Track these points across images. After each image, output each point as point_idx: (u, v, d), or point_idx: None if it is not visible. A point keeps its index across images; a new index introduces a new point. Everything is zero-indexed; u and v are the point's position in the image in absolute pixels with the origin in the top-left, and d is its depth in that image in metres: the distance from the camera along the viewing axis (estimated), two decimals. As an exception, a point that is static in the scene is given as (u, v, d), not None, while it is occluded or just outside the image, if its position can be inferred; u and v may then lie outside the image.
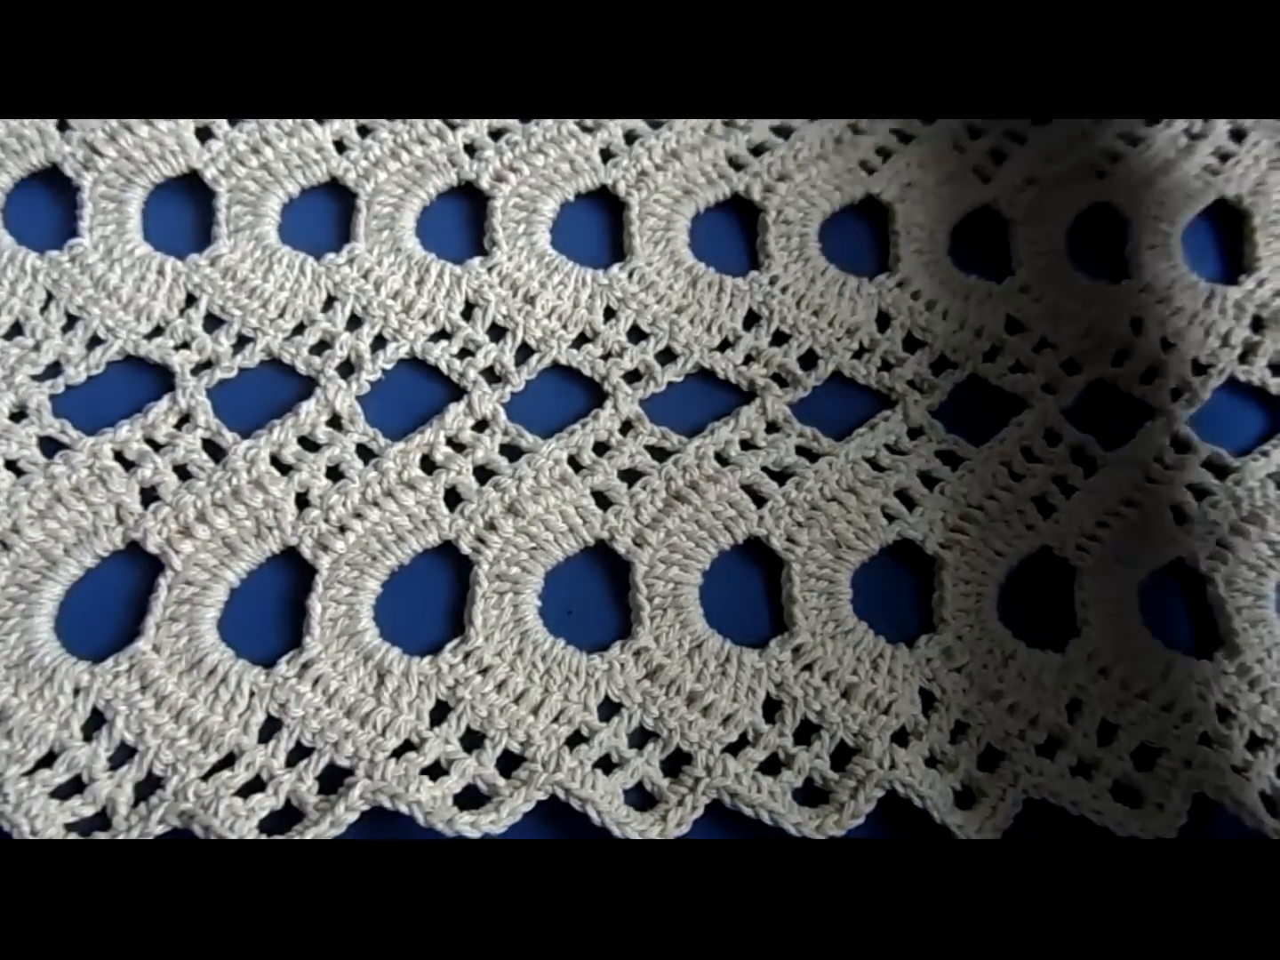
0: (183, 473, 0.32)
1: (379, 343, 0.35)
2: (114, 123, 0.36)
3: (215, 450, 0.32)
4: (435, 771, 0.29)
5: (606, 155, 0.38)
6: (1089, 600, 0.33)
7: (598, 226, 0.38)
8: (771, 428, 0.35)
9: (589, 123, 0.39)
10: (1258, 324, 0.38)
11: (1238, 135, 0.41)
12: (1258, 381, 0.37)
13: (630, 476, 0.33)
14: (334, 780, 0.29)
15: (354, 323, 0.35)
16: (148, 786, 0.28)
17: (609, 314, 0.36)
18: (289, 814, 0.28)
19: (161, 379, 0.33)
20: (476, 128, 0.38)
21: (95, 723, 0.29)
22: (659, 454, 0.34)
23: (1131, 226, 0.39)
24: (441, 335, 0.35)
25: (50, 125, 0.36)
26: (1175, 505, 0.35)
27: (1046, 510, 0.34)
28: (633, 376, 0.35)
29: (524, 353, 0.35)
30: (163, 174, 0.36)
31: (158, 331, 0.34)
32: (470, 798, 0.29)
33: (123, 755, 0.28)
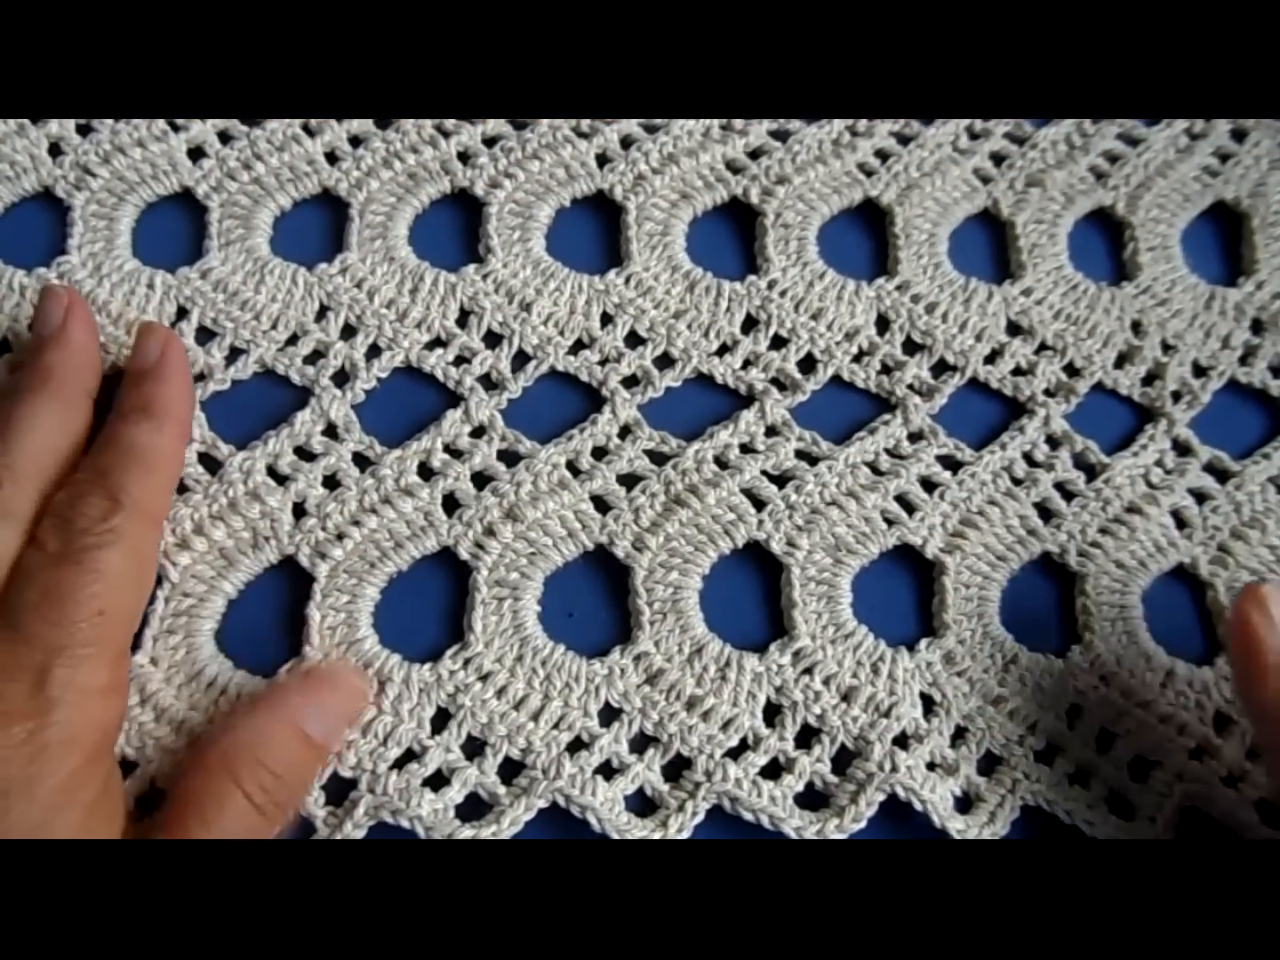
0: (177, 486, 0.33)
1: (374, 352, 0.36)
2: (107, 144, 0.38)
3: (209, 462, 0.34)
4: (436, 780, 0.31)
5: (602, 160, 0.40)
6: (1091, 606, 0.35)
7: (594, 232, 0.40)
8: (771, 432, 0.36)
9: (584, 128, 0.40)
10: (1257, 326, 0.40)
11: (1238, 135, 0.43)
12: (1258, 384, 0.39)
13: (629, 481, 0.35)
14: (337, 788, 0.31)
15: (348, 332, 0.36)
16: (150, 799, 0.30)
17: (606, 320, 0.38)
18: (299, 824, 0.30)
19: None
20: (470, 135, 0.40)
21: (95, 735, 0.30)
22: (658, 458, 0.35)
23: (1131, 228, 0.41)
24: (437, 343, 0.37)
25: (43, 150, 0.38)
26: (1176, 510, 0.37)
27: (1047, 515, 0.36)
28: (630, 382, 0.37)
29: (521, 359, 0.37)
30: (155, 193, 0.38)
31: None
32: (471, 803, 0.31)
33: (124, 769, 0.30)
